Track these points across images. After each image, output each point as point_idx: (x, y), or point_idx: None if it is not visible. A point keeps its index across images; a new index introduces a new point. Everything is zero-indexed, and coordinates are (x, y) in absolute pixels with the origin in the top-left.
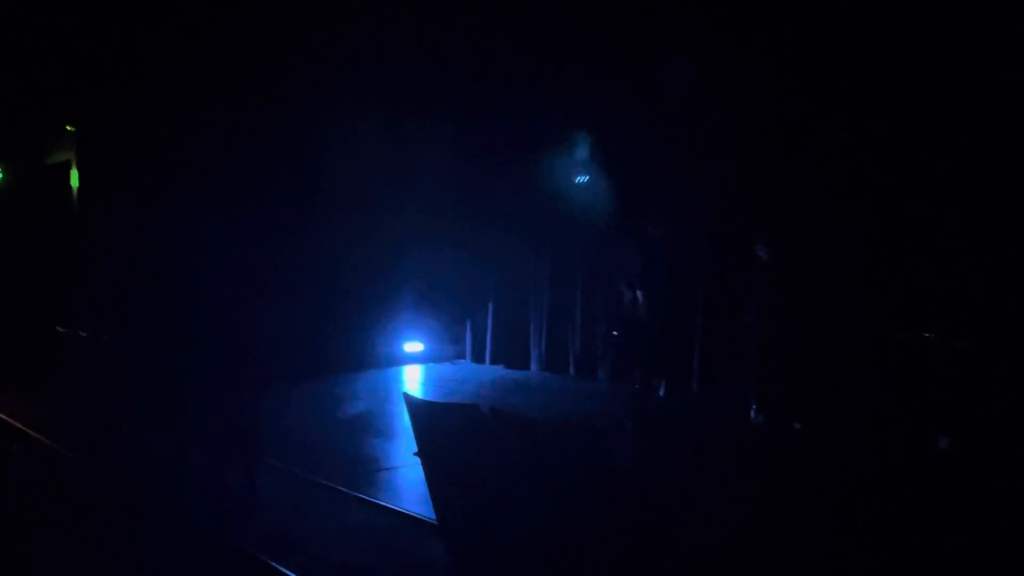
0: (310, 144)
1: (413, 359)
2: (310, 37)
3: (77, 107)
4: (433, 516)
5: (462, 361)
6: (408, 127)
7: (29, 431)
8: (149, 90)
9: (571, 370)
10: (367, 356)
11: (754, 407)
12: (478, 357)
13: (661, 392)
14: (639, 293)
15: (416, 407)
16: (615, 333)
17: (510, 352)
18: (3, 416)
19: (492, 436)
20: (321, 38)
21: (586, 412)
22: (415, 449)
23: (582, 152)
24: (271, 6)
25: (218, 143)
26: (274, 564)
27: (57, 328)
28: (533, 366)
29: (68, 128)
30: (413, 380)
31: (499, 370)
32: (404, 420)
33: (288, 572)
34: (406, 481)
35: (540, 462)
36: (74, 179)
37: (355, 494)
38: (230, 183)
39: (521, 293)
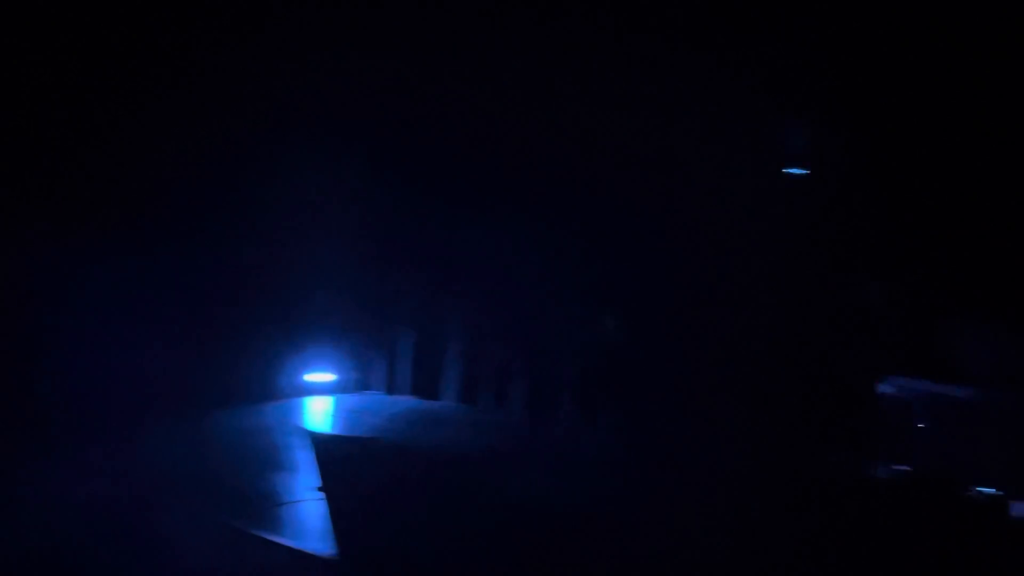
0: (215, 167)
1: (321, 390)
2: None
3: None
4: (335, 552)
5: (373, 392)
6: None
7: None
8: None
9: (485, 403)
10: (271, 387)
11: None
12: (393, 388)
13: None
14: None
15: (320, 441)
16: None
17: (424, 383)
18: None
19: (397, 471)
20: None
21: (495, 445)
22: (317, 483)
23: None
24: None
25: (111, 169)
26: None
27: None
28: (447, 397)
29: None
30: (320, 412)
31: (411, 401)
32: (306, 453)
33: None
34: (306, 516)
35: (445, 496)
36: None
37: (251, 531)
38: (114, 202)
39: (437, 325)
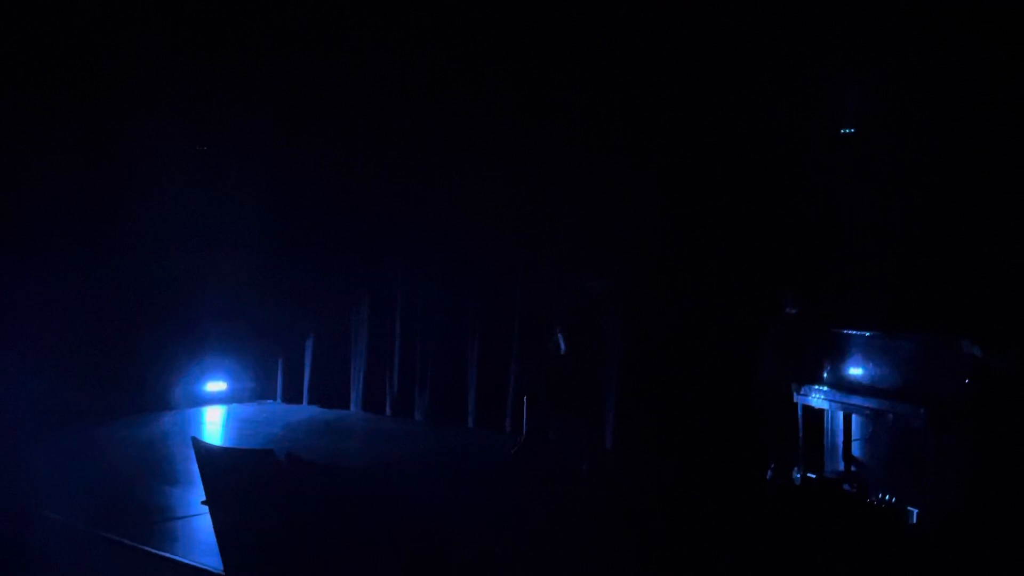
0: (108, 173)
1: (216, 399)
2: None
3: None
4: (222, 569)
5: (270, 402)
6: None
7: None
8: None
9: (388, 411)
10: (165, 397)
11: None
12: (291, 396)
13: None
14: None
15: (205, 453)
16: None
17: (326, 391)
18: None
19: (287, 483)
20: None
21: (397, 455)
22: (204, 496)
23: None
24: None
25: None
26: None
27: None
28: (352, 406)
29: None
30: (213, 422)
31: (312, 410)
32: (196, 466)
33: None
34: (198, 531)
35: (338, 510)
36: None
37: (141, 547)
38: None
39: (340, 330)
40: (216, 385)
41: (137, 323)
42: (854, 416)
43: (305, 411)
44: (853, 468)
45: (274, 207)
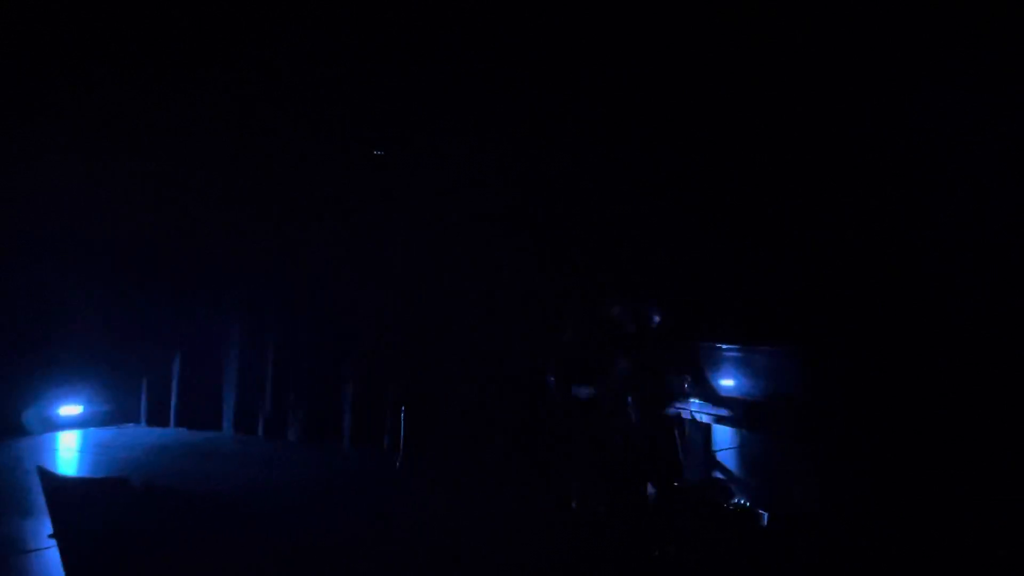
0: None
1: (73, 424)
2: None
3: None
4: None
5: (132, 425)
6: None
7: None
8: None
9: (261, 431)
10: (16, 422)
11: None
12: (157, 418)
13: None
14: None
15: (52, 482)
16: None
17: (196, 412)
18: None
19: (142, 513)
20: None
21: (264, 477)
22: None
23: None
24: None
25: None
26: None
27: None
28: (223, 427)
29: None
30: (69, 448)
31: (180, 433)
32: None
33: None
34: (52, 564)
35: (197, 539)
36: None
37: None
38: None
39: (210, 349)
40: (71, 408)
41: None
42: (715, 426)
43: (172, 434)
44: (716, 475)
45: (135, 220)
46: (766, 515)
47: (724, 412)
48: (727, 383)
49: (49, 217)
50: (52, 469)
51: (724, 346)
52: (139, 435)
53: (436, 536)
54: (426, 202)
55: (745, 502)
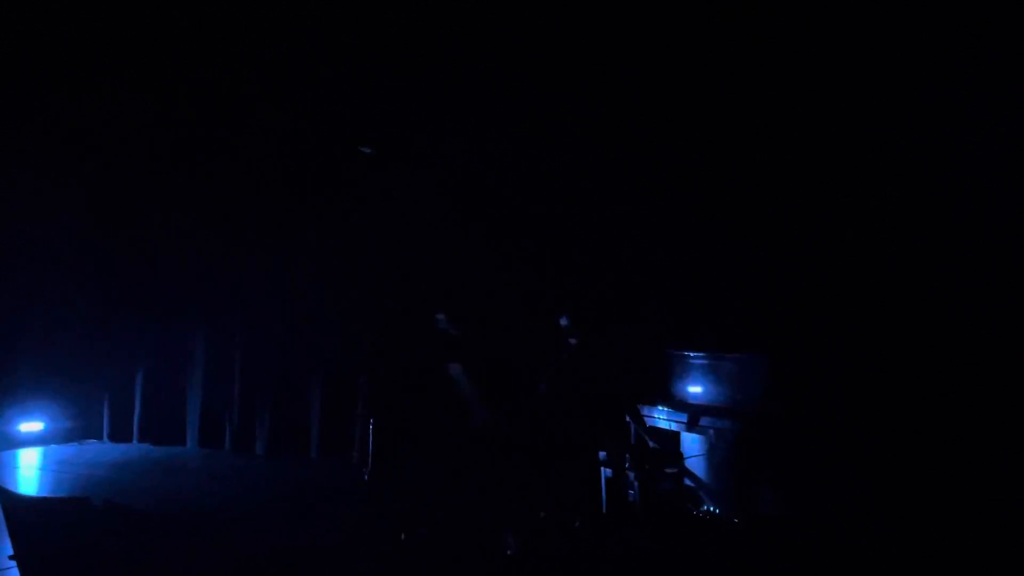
0: None
1: (32, 441)
2: None
3: None
4: None
5: (93, 441)
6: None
7: None
8: None
9: (227, 445)
10: None
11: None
12: (120, 434)
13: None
14: None
15: (12, 502)
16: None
17: (160, 427)
18: None
19: (105, 533)
20: None
21: (231, 493)
22: (11, 550)
23: None
24: None
25: None
26: None
27: None
28: (188, 442)
29: None
30: (29, 466)
31: (143, 448)
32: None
33: None
34: None
35: (163, 559)
36: None
37: None
38: None
39: (174, 362)
40: (31, 425)
41: None
42: (683, 433)
43: (135, 449)
44: (687, 482)
45: (96, 235)
46: (735, 520)
47: (692, 419)
48: (695, 390)
49: (6, 232)
50: (12, 487)
51: (692, 354)
52: (101, 451)
53: (404, 548)
54: (395, 207)
55: (714, 508)
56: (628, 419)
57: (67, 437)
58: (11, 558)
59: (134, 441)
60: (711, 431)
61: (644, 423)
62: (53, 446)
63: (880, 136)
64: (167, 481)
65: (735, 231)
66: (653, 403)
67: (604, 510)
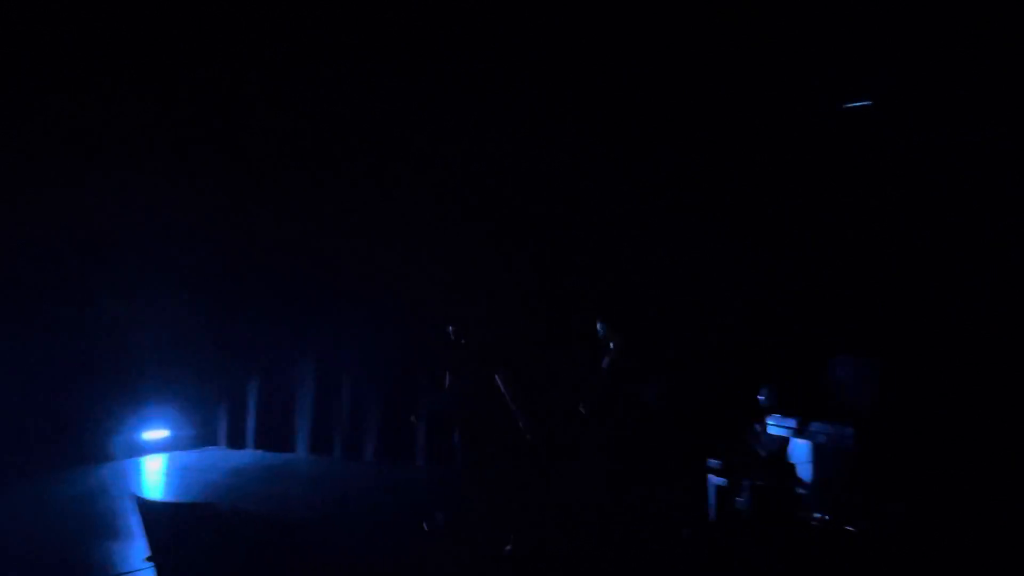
0: (35, 223)
1: (156, 448)
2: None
3: None
4: None
5: (213, 448)
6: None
7: None
8: None
9: (337, 452)
10: (104, 447)
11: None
12: (235, 441)
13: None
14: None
15: (148, 508)
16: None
17: (273, 435)
18: None
19: (233, 536)
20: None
21: (346, 500)
22: (148, 552)
23: None
24: None
25: None
26: None
27: None
28: (298, 449)
29: None
30: (154, 472)
31: (257, 455)
32: (136, 519)
33: None
34: None
35: (285, 562)
36: None
37: None
38: None
39: (286, 371)
40: (157, 433)
41: (72, 373)
42: (798, 439)
43: (250, 456)
44: (800, 490)
45: (214, 249)
46: (850, 528)
47: (799, 426)
48: (804, 397)
49: (133, 249)
50: (142, 493)
51: (801, 360)
52: (220, 458)
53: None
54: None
55: (827, 516)
56: (739, 426)
57: (189, 444)
58: (147, 559)
59: (248, 448)
60: (822, 436)
61: (755, 429)
62: (176, 452)
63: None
64: (281, 487)
65: (845, 234)
66: (760, 411)
67: (714, 518)
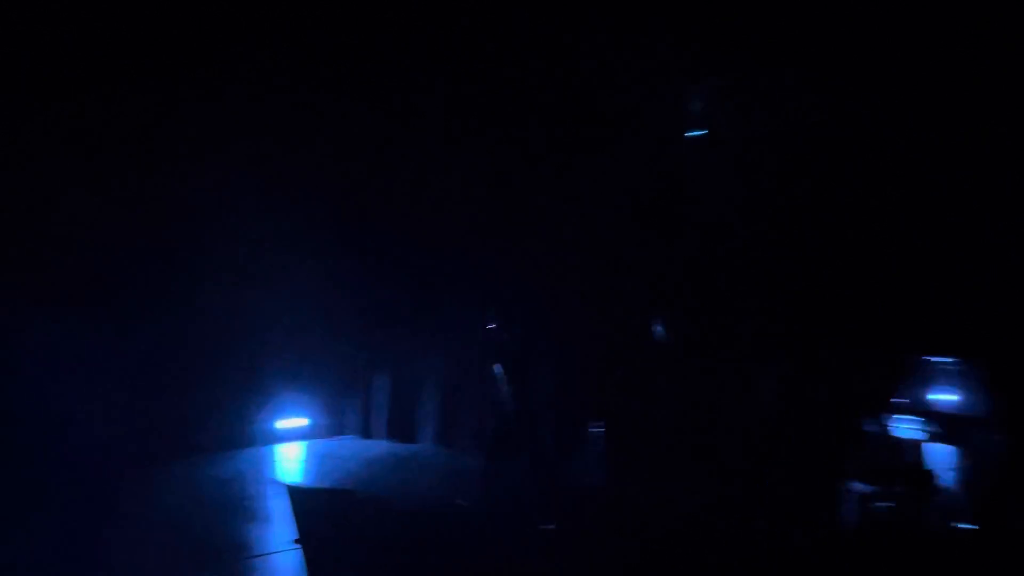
0: (175, 214)
1: (295, 435)
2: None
3: None
4: None
5: (348, 437)
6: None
7: None
8: None
9: (463, 445)
10: (244, 434)
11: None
12: (366, 432)
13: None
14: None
15: (296, 493)
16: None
17: (402, 426)
18: None
19: (374, 523)
20: (194, 108)
21: (473, 492)
22: (292, 535)
23: None
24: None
25: (79, 219)
26: None
27: None
28: (425, 441)
29: None
30: (293, 459)
31: (387, 445)
32: (279, 503)
33: None
34: (281, 568)
35: (416, 547)
36: None
37: None
38: (75, 254)
39: (416, 364)
40: (296, 421)
41: (217, 361)
42: (929, 443)
43: (382, 446)
44: (938, 496)
45: (350, 243)
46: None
47: (938, 429)
48: (943, 398)
49: (272, 249)
50: (283, 479)
51: (939, 359)
52: (355, 447)
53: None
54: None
55: (971, 525)
56: (870, 430)
57: (327, 433)
58: (296, 542)
59: (380, 438)
60: (963, 441)
61: (889, 434)
62: (314, 440)
63: None
64: (412, 476)
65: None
66: (894, 412)
67: (851, 525)
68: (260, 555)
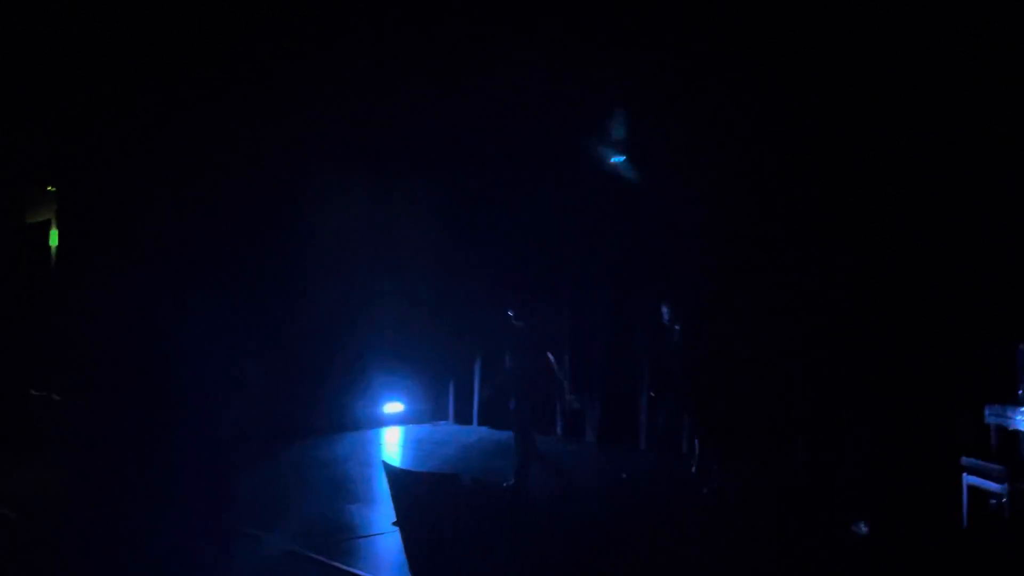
0: (293, 211)
1: (393, 420)
2: (295, 111)
3: (59, 166)
4: None
5: (443, 422)
6: (392, 191)
7: None
8: (133, 155)
9: (558, 431)
10: (346, 418)
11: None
12: (462, 418)
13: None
14: None
15: (395, 476)
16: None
17: (496, 413)
18: None
19: (471, 506)
20: (305, 114)
21: (570, 477)
22: (393, 517)
23: None
24: (256, 78)
25: (202, 214)
26: None
27: (31, 391)
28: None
29: (49, 188)
30: (392, 443)
31: (482, 431)
32: (382, 485)
33: None
34: (384, 549)
35: (517, 533)
36: (53, 239)
37: (332, 563)
38: (213, 250)
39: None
40: (394, 406)
41: (322, 350)
42: None
43: (476, 432)
44: None
45: (445, 238)
46: None
47: None
48: None
49: (373, 241)
50: (384, 461)
51: None
52: (448, 432)
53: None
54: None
55: None
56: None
57: (422, 418)
58: (394, 524)
59: (474, 424)
60: None
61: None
62: (411, 425)
63: None
64: (507, 463)
65: None
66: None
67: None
68: (365, 536)
